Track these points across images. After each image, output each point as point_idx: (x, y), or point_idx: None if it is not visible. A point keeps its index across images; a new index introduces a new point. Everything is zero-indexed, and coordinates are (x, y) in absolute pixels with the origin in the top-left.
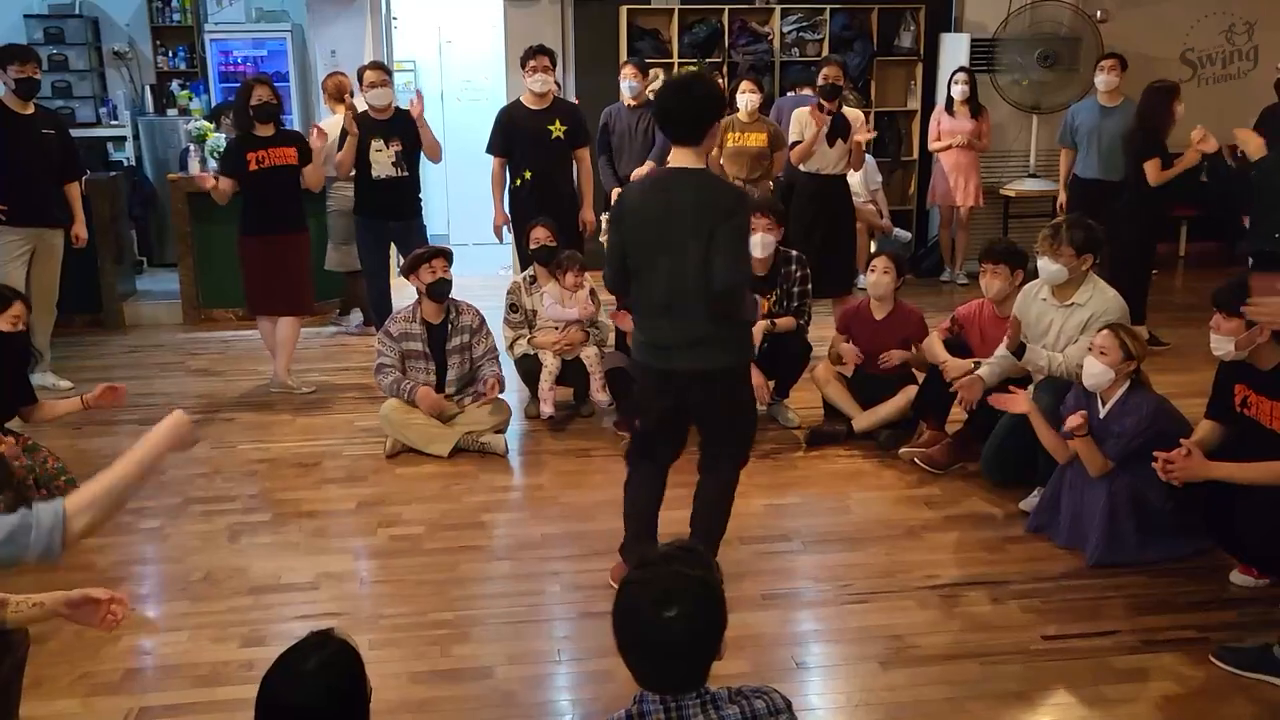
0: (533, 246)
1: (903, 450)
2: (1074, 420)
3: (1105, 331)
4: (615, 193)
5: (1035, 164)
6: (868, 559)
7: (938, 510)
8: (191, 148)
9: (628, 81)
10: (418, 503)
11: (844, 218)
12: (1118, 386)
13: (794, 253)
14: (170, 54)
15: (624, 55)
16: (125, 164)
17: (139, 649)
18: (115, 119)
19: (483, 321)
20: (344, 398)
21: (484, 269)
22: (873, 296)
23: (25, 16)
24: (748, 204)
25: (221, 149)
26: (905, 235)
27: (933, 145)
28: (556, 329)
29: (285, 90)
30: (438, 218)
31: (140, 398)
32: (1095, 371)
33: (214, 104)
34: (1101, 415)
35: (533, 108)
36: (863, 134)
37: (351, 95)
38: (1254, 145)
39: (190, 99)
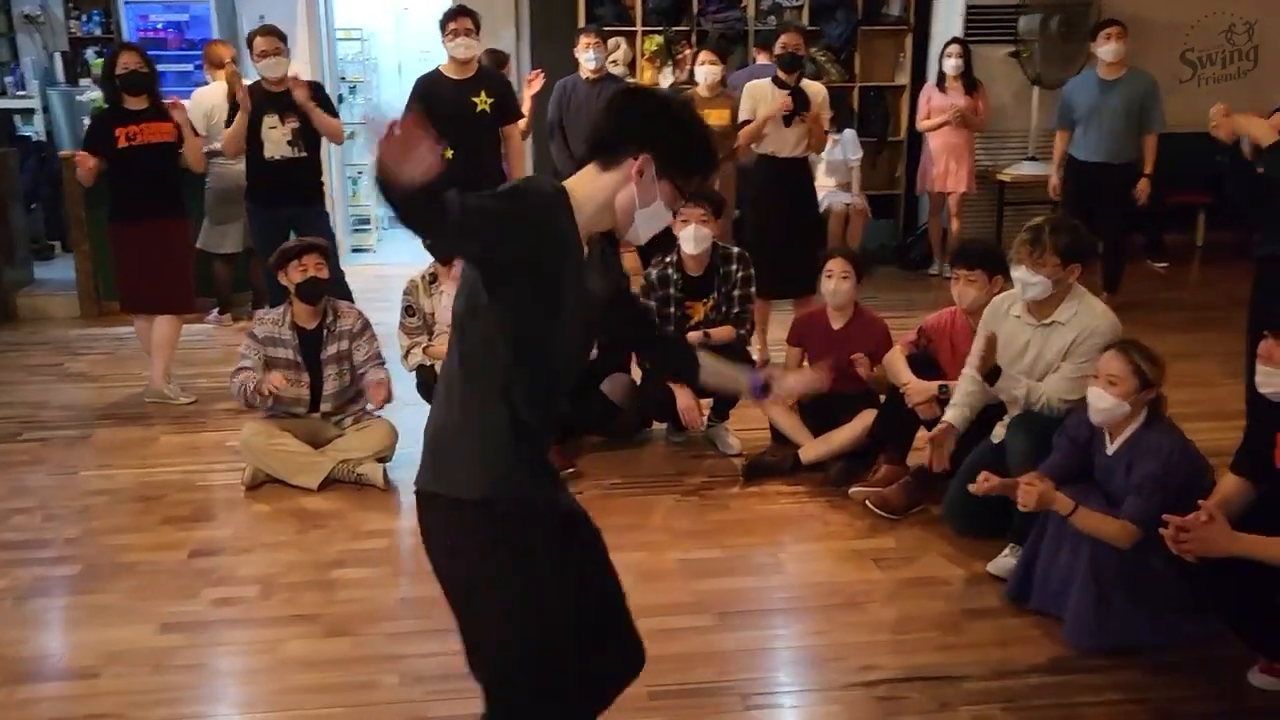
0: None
1: (853, 489)
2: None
3: (1113, 353)
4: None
5: (1035, 146)
6: (793, 639)
7: (888, 570)
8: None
9: (589, 51)
10: (262, 550)
11: (804, 206)
12: (1131, 420)
13: (734, 249)
14: (84, 18)
15: (582, 22)
16: (33, 139)
17: None
18: (23, 89)
19: (366, 325)
20: (226, 410)
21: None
22: (829, 304)
23: None
24: None
25: None
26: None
27: (921, 124)
28: None
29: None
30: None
31: None
32: (1104, 405)
33: None
34: (1109, 453)
35: (455, 78)
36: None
37: (235, 63)
38: (1260, 130)
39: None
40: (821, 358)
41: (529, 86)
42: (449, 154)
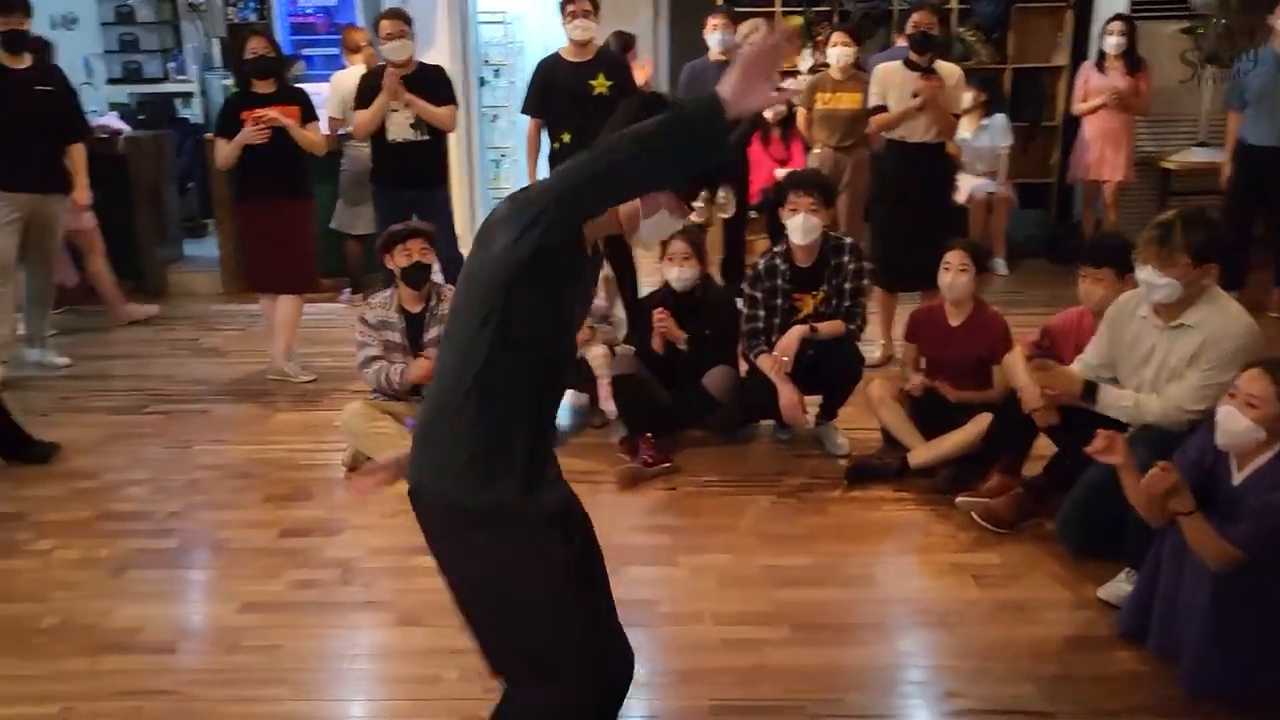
0: None
1: (960, 499)
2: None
3: (1258, 372)
4: None
5: (1207, 131)
6: (873, 659)
7: (988, 589)
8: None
9: (716, 33)
10: (350, 533)
11: (937, 194)
12: (1266, 448)
13: (847, 240)
14: (241, 4)
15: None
16: (191, 122)
17: None
18: (183, 74)
19: None
20: (345, 390)
21: None
22: (946, 299)
23: None
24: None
25: None
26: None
27: (1077, 107)
28: None
29: None
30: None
31: (125, 380)
32: (1237, 429)
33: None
34: (1235, 483)
35: (573, 60)
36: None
37: (370, 45)
38: None
39: None
40: (937, 354)
41: (638, 74)
42: (566, 138)
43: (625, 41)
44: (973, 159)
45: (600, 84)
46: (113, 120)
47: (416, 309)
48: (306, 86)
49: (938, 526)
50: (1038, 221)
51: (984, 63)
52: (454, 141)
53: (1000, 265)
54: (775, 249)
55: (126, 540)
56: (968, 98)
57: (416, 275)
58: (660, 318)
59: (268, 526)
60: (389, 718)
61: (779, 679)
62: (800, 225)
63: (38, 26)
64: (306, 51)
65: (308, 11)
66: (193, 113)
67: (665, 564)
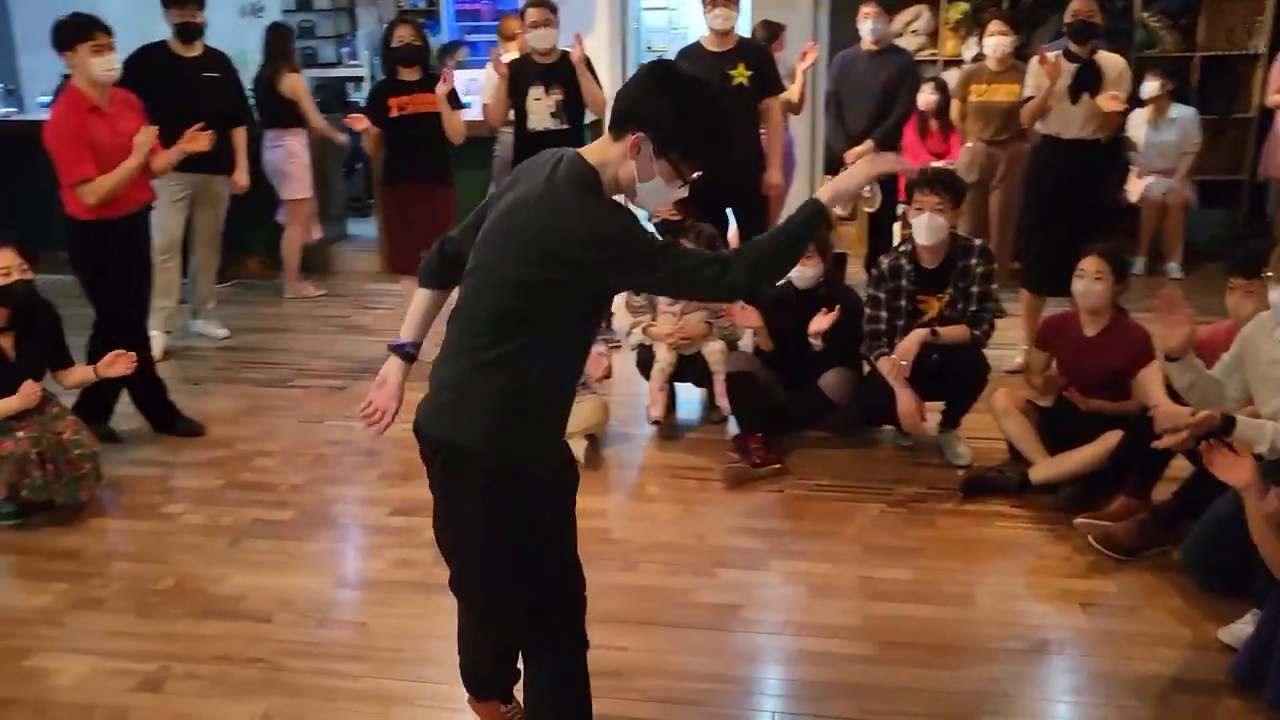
0: (655, 219)
1: (1079, 520)
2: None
3: None
4: (846, 153)
5: None
6: (957, 684)
7: (1097, 619)
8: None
9: (868, 21)
10: None
11: (1093, 194)
12: None
13: (976, 242)
14: None
15: None
16: (361, 106)
17: (39, 671)
18: (355, 59)
19: None
20: None
21: None
22: (1081, 308)
23: None
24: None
25: None
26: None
27: (1271, 98)
28: (675, 316)
29: None
30: None
31: (276, 354)
32: None
33: (444, 43)
34: None
35: (713, 49)
36: (1109, 100)
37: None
38: None
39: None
40: (1069, 366)
41: (802, 60)
42: None
43: (771, 31)
44: (1152, 155)
45: (740, 74)
46: None
47: None
48: (468, 73)
49: (1052, 548)
50: (1223, 222)
51: (1169, 50)
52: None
53: (1174, 269)
54: (901, 248)
55: (248, 510)
56: (1152, 87)
57: None
58: (822, 316)
59: (379, 504)
60: (455, 703)
61: (852, 697)
62: (925, 225)
63: (228, 16)
64: (471, 38)
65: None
66: (363, 97)
67: (757, 568)
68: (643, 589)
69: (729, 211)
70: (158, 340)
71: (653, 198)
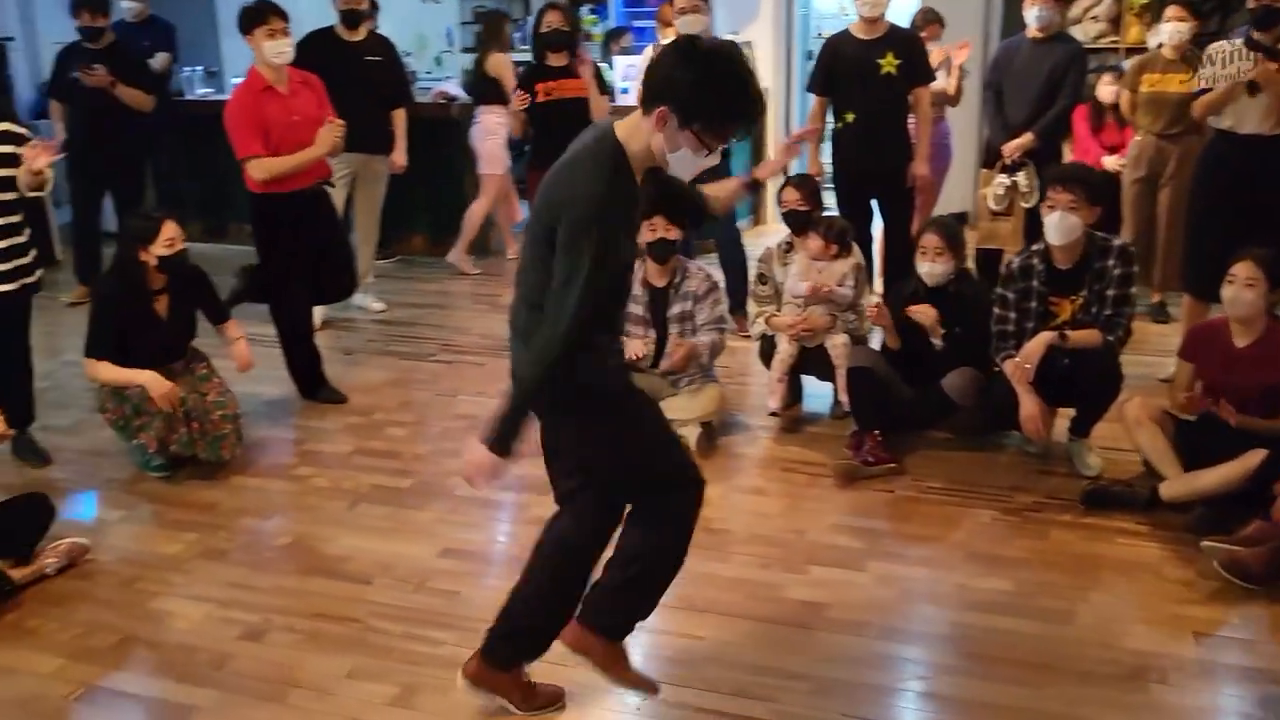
0: (783, 209)
1: (1206, 543)
2: None
3: None
4: (1004, 146)
5: None
6: (1036, 702)
7: (1209, 649)
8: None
9: (1034, 8)
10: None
11: (1271, 195)
12: None
13: (1115, 242)
14: None
15: None
16: None
17: (160, 613)
18: (526, 45)
19: (712, 288)
20: None
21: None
22: (1231, 316)
23: None
24: (600, 201)
25: None
26: None
27: None
28: (799, 308)
29: None
30: None
31: (425, 329)
32: None
33: (610, 28)
34: None
35: (861, 37)
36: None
37: None
38: None
39: (595, 23)
40: (1216, 378)
41: (956, 55)
42: (850, 117)
43: (927, 18)
44: None
45: (888, 63)
46: (451, 87)
47: (661, 283)
48: (629, 59)
49: (1174, 570)
50: None
51: None
52: (771, 118)
53: None
54: (1034, 247)
55: (370, 476)
56: None
57: (660, 250)
58: (876, 307)
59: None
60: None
61: (923, 707)
62: (1057, 224)
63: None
64: (638, 24)
65: None
66: None
67: (851, 568)
68: (731, 580)
69: (874, 204)
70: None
71: (683, 166)
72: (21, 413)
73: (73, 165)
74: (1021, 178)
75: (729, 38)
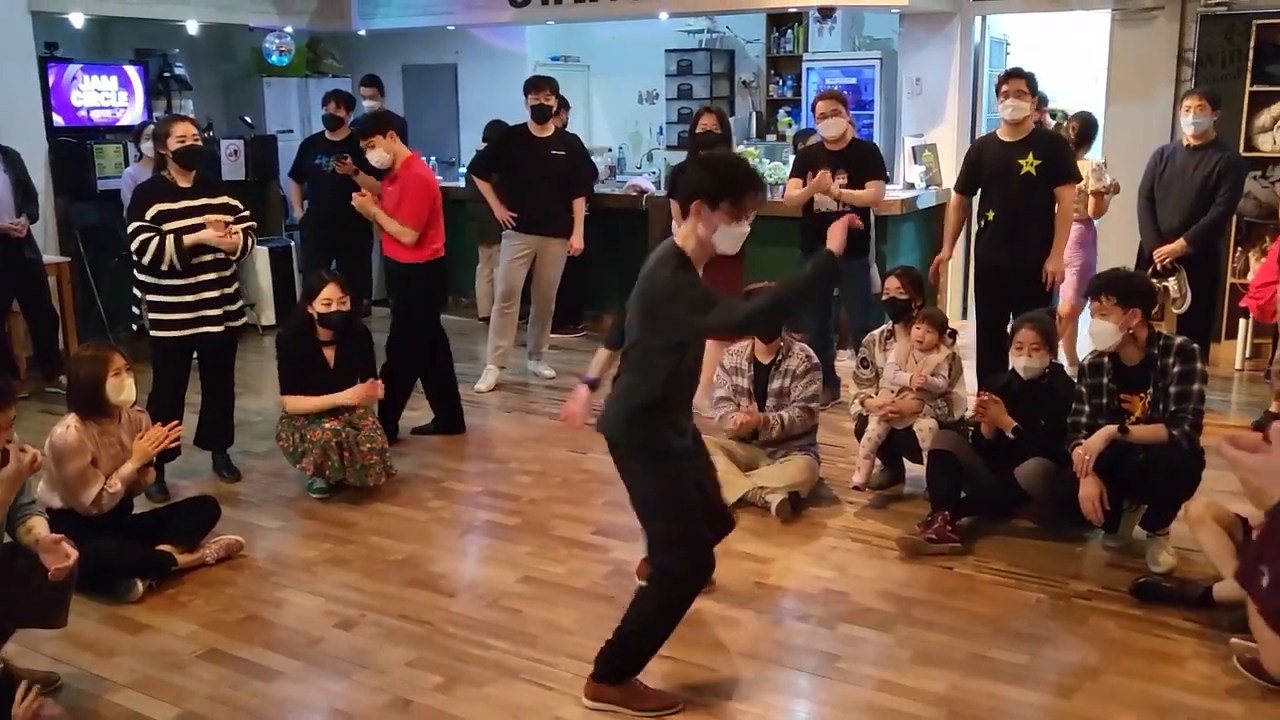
0: (885, 297)
1: (1234, 640)
2: None
3: None
4: (1156, 251)
5: None
6: None
7: None
8: None
9: (1190, 114)
10: (641, 543)
11: None
12: None
13: (1177, 340)
14: (780, 82)
15: (1250, 82)
16: None
17: (280, 601)
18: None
19: (811, 369)
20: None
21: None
22: None
23: (666, 51)
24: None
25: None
26: None
27: None
28: (893, 392)
29: (868, 117)
30: None
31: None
32: None
33: (798, 130)
34: None
35: (1005, 139)
36: None
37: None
38: None
39: (790, 125)
40: None
41: (1096, 172)
42: (990, 215)
43: (1085, 121)
44: None
45: (1028, 163)
46: (642, 181)
47: (766, 360)
48: None
49: (1200, 664)
50: None
51: None
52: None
53: None
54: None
55: (487, 513)
56: None
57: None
58: (984, 401)
59: (588, 524)
60: (552, 681)
61: None
62: (1092, 331)
63: (628, 101)
64: None
65: (834, 88)
66: None
67: (877, 628)
68: (764, 628)
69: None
70: (491, 374)
71: (727, 241)
72: (223, 435)
73: (306, 238)
74: (1173, 283)
75: (914, 140)
